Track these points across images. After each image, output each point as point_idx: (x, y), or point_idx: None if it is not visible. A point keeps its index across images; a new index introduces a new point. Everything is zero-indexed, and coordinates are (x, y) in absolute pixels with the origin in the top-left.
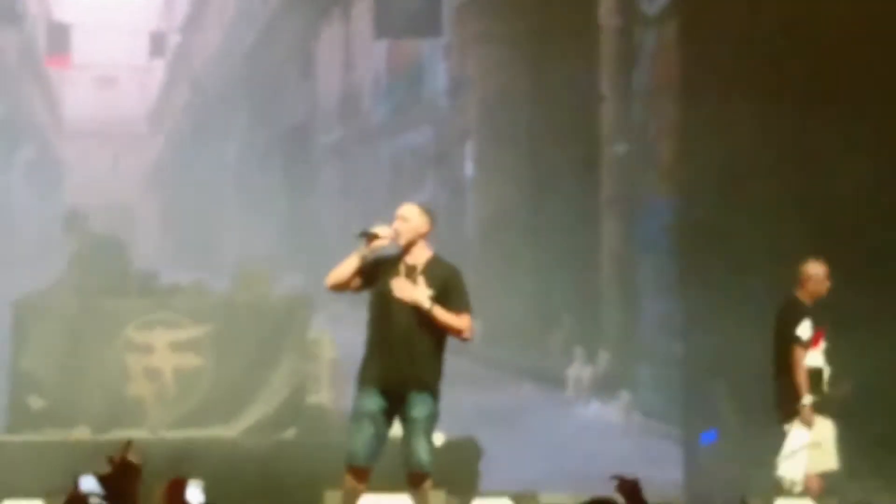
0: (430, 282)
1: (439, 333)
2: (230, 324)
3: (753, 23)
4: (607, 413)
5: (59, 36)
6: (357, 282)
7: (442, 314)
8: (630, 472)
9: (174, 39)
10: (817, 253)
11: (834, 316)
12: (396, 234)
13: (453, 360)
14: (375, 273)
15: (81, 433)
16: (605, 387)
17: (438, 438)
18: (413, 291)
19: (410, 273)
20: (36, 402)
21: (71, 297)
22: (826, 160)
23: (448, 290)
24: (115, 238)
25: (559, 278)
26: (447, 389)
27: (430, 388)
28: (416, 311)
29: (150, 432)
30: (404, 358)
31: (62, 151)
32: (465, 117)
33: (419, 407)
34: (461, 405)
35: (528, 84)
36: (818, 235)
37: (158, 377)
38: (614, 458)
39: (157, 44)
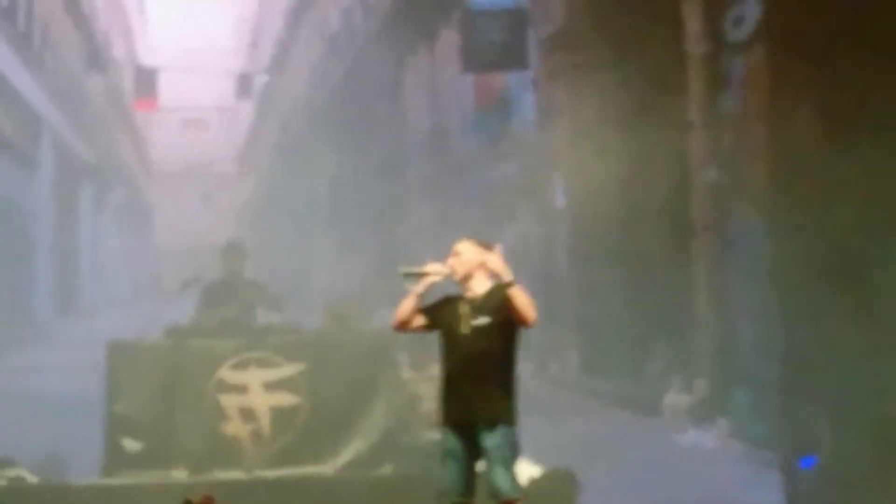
0: (492, 308)
1: (507, 366)
2: (324, 361)
3: (839, 43)
4: (705, 440)
5: (146, 80)
6: (421, 321)
7: (519, 293)
8: (729, 498)
9: (261, 80)
10: None
11: None
12: (452, 271)
13: (550, 391)
14: (440, 312)
15: (178, 475)
16: (702, 414)
17: (535, 471)
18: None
19: (473, 306)
20: (131, 445)
21: (164, 338)
22: None
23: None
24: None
25: (654, 307)
26: (544, 421)
27: (502, 419)
28: (482, 346)
29: (246, 472)
30: (472, 393)
31: (151, 193)
32: (554, 148)
33: (490, 438)
34: (558, 436)
35: (615, 113)
36: None
37: (253, 417)
38: (712, 485)
39: (243, 85)
